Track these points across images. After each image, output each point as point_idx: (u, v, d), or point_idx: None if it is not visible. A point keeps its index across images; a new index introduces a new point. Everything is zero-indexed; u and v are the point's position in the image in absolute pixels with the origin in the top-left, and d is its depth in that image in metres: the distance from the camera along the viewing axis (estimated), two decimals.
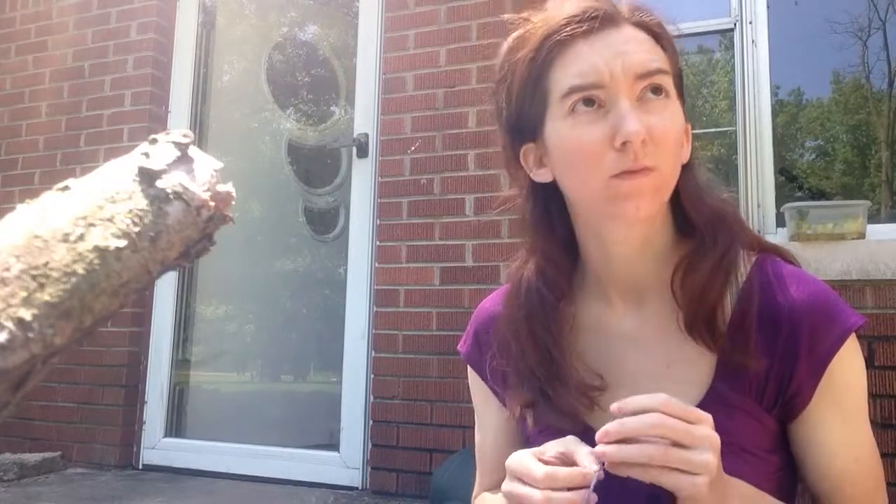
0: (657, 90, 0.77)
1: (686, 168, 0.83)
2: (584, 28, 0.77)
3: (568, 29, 0.77)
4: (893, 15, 2.72)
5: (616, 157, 0.74)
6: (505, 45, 0.85)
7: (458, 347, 1.00)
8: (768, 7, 2.47)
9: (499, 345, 0.91)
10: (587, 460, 0.67)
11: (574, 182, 0.80)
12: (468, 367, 0.98)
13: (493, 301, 0.97)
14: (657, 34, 0.81)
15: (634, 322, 0.85)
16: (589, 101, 0.76)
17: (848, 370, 0.77)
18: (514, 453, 0.72)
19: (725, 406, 0.77)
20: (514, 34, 0.84)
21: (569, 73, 0.77)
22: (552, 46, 0.78)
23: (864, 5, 2.72)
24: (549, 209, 0.86)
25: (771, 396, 0.78)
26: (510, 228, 2.55)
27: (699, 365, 0.80)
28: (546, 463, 0.69)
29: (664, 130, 0.76)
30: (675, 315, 0.81)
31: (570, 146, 0.78)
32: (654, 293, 0.84)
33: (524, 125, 0.83)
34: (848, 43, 2.83)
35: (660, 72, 0.77)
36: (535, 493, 0.67)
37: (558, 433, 0.82)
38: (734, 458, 0.75)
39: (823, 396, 0.76)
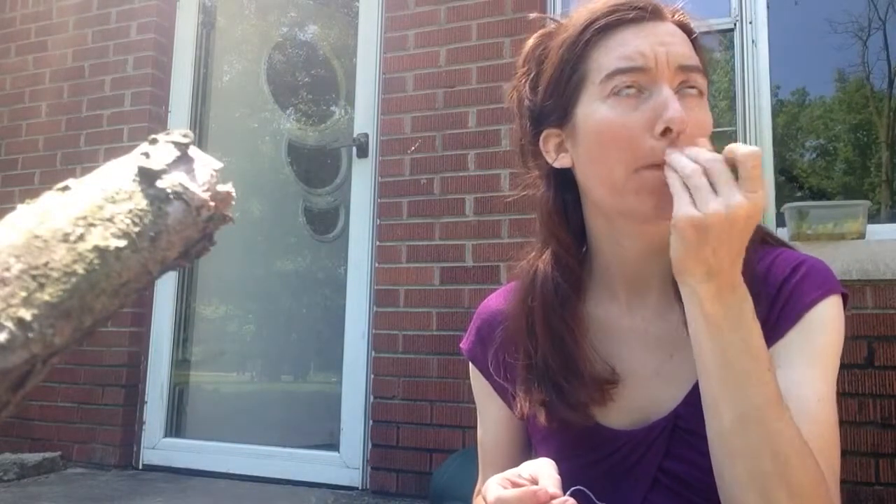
0: (694, 86, 0.78)
1: None
2: (631, 16, 0.79)
3: (615, 15, 0.79)
4: (893, 15, 2.72)
5: (652, 147, 0.74)
6: (533, 39, 0.87)
7: (461, 345, 1.00)
8: (768, 7, 2.47)
9: (506, 341, 0.91)
10: (549, 482, 0.69)
11: (598, 168, 0.79)
12: (470, 363, 0.98)
13: (496, 299, 0.97)
14: (695, 38, 0.83)
15: (638, 316, 0.85)
16: (631, 86, 0.77)
17: (825, 322, 0.77)
18: (489, 480, 0.73)
19: None
20: (545, 29, 0.86)
21: (613, 56, 0.78)
22: (598, 30, 0.79)
23: (864, 5, 2.72)
24: (565, 198, 0.86)
25: None
26: (510, 228, 2.55)
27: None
28: (515, 485, 0.70)
29: (701, 125, 0.77)
30: (677, 310, 0.81)
31: (607, 128, 0.77)
32: (659, 288, 0.84)
33: (551, 110, 0.83)
34: (848, 43, 2.83)
35: (697, 69, 0.79)
36: None
37: (569, 430, 0.84)
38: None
39: (796, 336, 0.76)
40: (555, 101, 0.83)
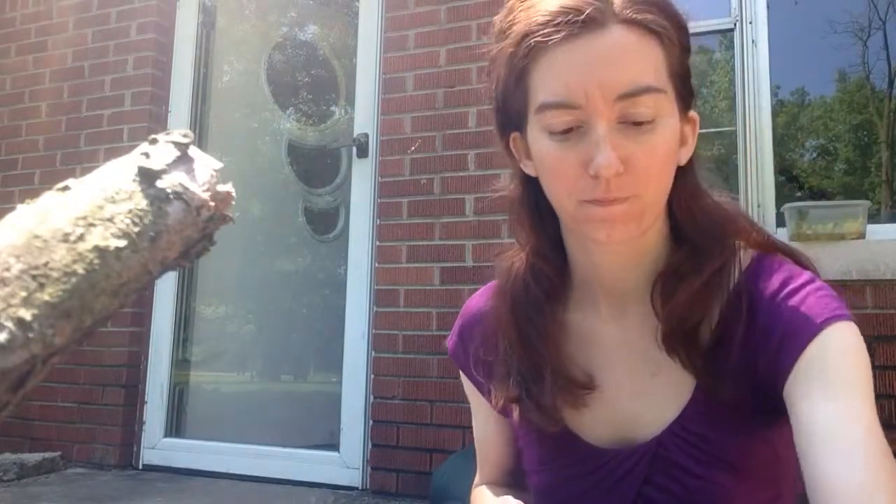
0: (639, 120, 0.68)
1: (682, 170, 0.75)
2: (563, 34, 0.67)
3: (545, 31, 0.67)
4: (893, 15, 2.72)
5: (589, 185, 0.68)
6: (495, 25, 0.77)
7: (446, 343, 0.98)
8: (768, 7, 2.47)
9: (484, 337, 0.89)
10: None
11: (551, 194, 0.75)
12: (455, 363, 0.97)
13: (479, 298, 0.94)
14: (653, 31, 0.69)
15: (619, 329, 0.81)
16: (565, 126, 0.69)
17: (832, 351, 0.68)
18: None
19: (707, 417, 0.74)
20: (503, 14, 0.76)
21: (544, 84, 0.69)
22: (529, 48, 0.69)
23: (864, 5, 2.72)
24: (539, 203, 0.79)
25: (756, 396, 0.72)
26: (510, 228, 2.55)
27: (684, 374, 0.75)
28: None
29: (646, 161, 0.68)
30: (657, 325, 0.76)
31: (545, 163, 0.72)
32: (639, 301, 0.78)
33: (511, 115, 0.76)
34: (848, 43, 2.84)
35: (646, 91, 0.67)
36: None
37: (542, 439, 0.83)
38: (715, 470, 0.73)
39: (805, 376, 0.67)
40: (511, 109, 0.76)
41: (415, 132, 2.76)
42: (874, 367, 0.73)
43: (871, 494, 0.59)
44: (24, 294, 0.36)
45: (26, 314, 0.36)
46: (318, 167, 3.43)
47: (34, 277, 0.37)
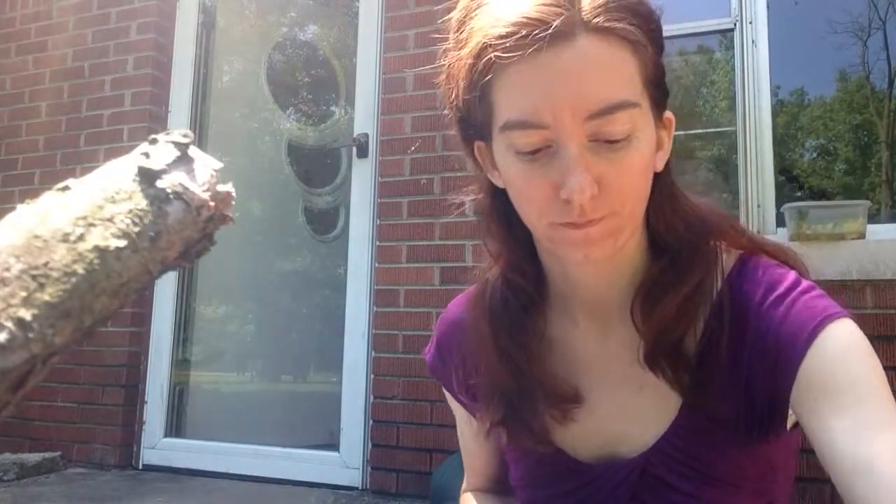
0: (612, 139, 0.63)
1: (658, 176, 0.70)
2: (528, 51, 0.60)
3: (506, 46, 0.61)
4: (893, 15, 2.72)
5: (562, 208, 0.63)
6: (451, 26, 0.70)
7: (423, 355, 0.94)
8: (768, 7, 2.47)
9: (465, 355, 0.85)
10: None
11: (521, 212, 0.70)
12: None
13: (457, 306, 0.90)
14: (625, 38, 0.63)
15: (599, 345, 0.77)
16: (532, 147, 0.64)
17: (831, 358, 0.65)
18: None
19: (694, 433, 0.72)
20: (458, 16, 0.69)
21: (508, 101, 0.64)
22: (490, 63, 0.63)
23: (864, 5, 2.73)
24: (509, 214, 0.73)
25: (749, 412, 0.70)
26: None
27: (669, 390, 0.72)
28: None
29: (622, 178, 0.63)
30: (639, 342, 0.73)
31: (513, 183, 0.68)
32: (620, 316, 0.75)
33: (474, 126, 0.71)
34: (848, 43, 2.84)
35: (620, 107, 0.62)
36: None
37: (529, 455, 0.80)
38: (703, 487, 0.71)
39: (810, 389, 0.64)
40: (474, 118, 0.69)
41: (415, 132, 2.76)
42: None
43: None
44: (24, 294, 0.36)
45: (26, 314, 0.36)
46: (318, 167, 3.43)
47: (34, 277, 0.37)
